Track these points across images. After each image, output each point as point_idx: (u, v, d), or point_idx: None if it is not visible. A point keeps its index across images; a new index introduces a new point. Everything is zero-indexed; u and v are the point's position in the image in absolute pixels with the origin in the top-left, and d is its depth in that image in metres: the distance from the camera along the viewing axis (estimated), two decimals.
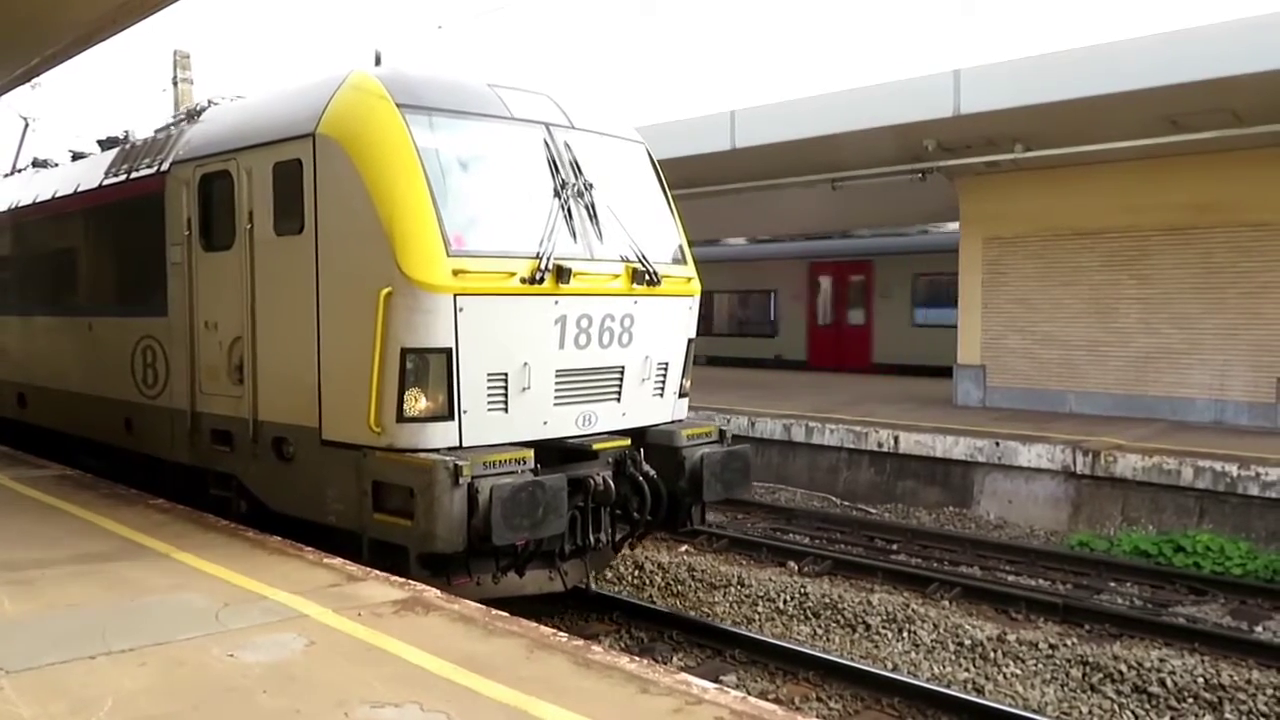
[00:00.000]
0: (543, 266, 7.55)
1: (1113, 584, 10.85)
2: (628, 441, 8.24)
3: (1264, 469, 11.80)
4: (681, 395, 9.07)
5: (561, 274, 7.62)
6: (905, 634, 9.04)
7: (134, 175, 10.02)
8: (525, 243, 7.67)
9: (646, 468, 8.25)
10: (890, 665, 8.38)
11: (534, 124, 8.26)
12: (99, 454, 11.22)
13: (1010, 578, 11.16)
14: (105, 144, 13.63)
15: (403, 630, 5.45)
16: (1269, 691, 7.63)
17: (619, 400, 8.38)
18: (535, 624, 5.72)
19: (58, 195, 11.73)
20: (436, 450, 7.28)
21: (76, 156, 15.11)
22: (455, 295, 7.20)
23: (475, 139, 7.88)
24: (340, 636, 5.34)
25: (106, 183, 10.56)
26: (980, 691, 7.88)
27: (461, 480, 6.97)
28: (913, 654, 8.67)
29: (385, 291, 7.13)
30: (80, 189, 11.17)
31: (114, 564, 6.88)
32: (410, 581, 6.60)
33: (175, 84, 26.69)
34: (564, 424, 8.01)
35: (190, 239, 9.06)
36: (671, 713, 4.34)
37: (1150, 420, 15.99)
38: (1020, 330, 17.95)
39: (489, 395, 7.51)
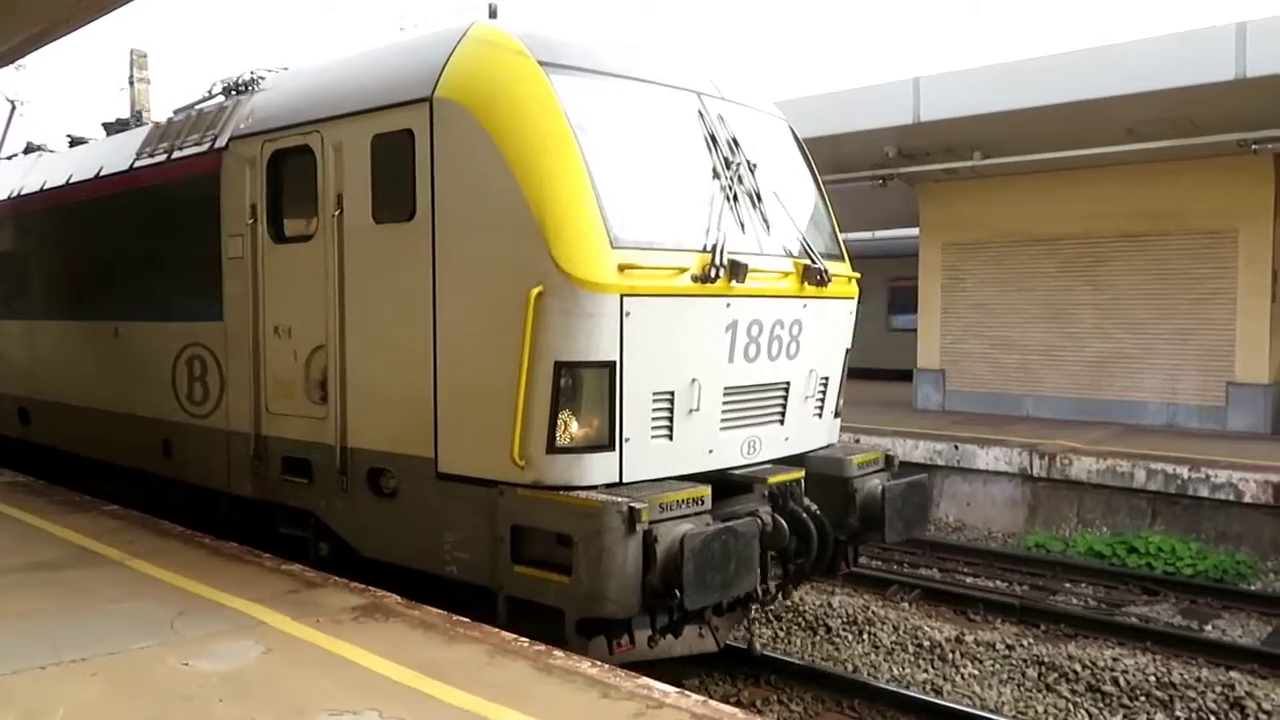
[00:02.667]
0: (717, 262, 6.20)
1: (1068, 585, 11.12)
2: (802, 472, 6.89)
3: (1213, 471, 12.18)
4: (836, 415, 7.74)
5: (736, 271, 6.26)
6: (865, 636, 9.18)
7: (177, 155, 8.50)
8: (690, 232, 6.31)
9: (808, 502, 6.89)
10: (850, 667, 8.53)
11: (686, 91, 6.90)
12: (125, 480, 9.65)
13: (968, 579, 11.43)
14: (113, 127, 12.13)
15: (362, 637, 5.37)
16: (1218, 689, 7.84)
17: (783, 422, 7.04)
18: (496, 630, 5.62)
19: (73, 182, 10.15)
20: (594, 487, 5.89)
21: (75, 142, 13.57)
22: (622, 296, 5.82)
23: (627, 106, 6.49)
24: (299, 644, 5.28)
25: (140, 165, 9.02)
26: (939, 692, 8.01)
27: (638, 527, 5.59)
28: (873, 656, 8.82)
29: (535, 291, 5.72)
30: (103, 173, 9.61)
31: (65, 572, 6.74)
32: (370, 588, 6.36)
33: (132, 84, 26.40)
34: (729, 452, 6.65)
35: (255, 228, 7.59)
36: (633, 717, 4.36)
37: (1105, 423, 16.43)
38: (979, 335, 18.46)
39: (653, 419, 6.13)
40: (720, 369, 6.42)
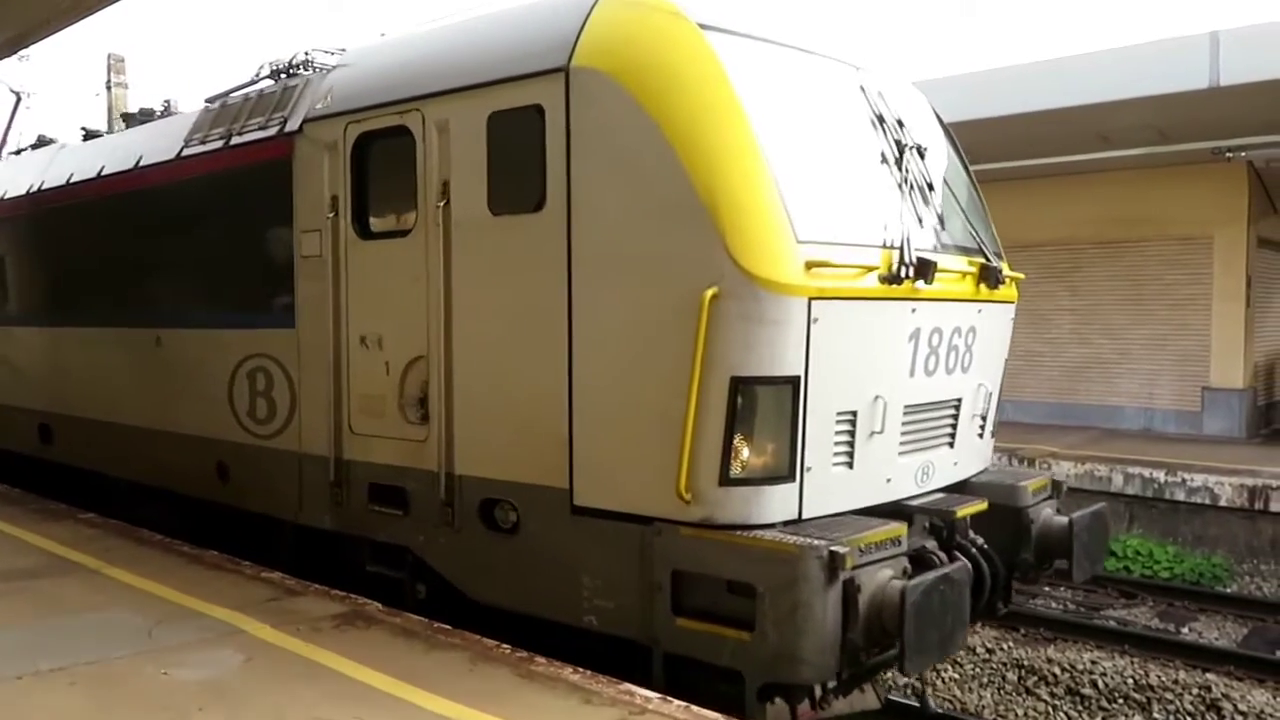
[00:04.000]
0: (906, 260, 5.30)
1: (1047, 589, 11.03)
2: (985, 504, 5.98)
3: (1189, 475, 12.40)
4: (991, 435, 6.85)
5: (924, 270, 5.37)
6: None
7: (237, 141, 7.52)
8: (867, 225, 5.41)
9: (974, 536, 5.97)
10: None
11: (844, 64, 6.01)
12: (166, 505, 8.65)
13: None
14: (135, 119, 11.13)
15: (343, 645, 5.34)
16: (1195, 691, 7.90)
17: (952, 445, 6.14)
18: (478, 637, 5.54)
19: (105, 174, 9.14)
20: (770, 525, 4.98)
21: (89, 135, 12.57)
22: (810, 300, 4.91)
23: (793, 78, 5.59)
24: (279, 652, 5.23)
25: (189, 153, 8.03)
26: (921, 697, 7.77)
27: (839, 575, 4.67)
28: None
29: (710, 294, 4.80)
30: (143, 164, 8.60)
31: (42, 581, 6.64)
32: (351, 595, 6.27)
33: (109, 88, 25.69)
34: (906, 480, 5.75)
35: (336, 223, 6.63)
36: None
37: (1083, 428, 16.67)
38: None
39: (835, 444, 5.22)
40: (902, 384, 5.52)
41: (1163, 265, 16.43)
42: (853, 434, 5.27)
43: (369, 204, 6.53)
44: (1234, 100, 12.30)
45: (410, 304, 6.18)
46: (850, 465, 5.30)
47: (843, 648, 4.73)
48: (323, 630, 5.55)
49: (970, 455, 6.39)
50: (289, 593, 6.32)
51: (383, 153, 6.42)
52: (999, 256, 6.54)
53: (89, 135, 12.56)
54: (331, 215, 6.63)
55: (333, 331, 6.65)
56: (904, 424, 5.58)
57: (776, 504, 5.02)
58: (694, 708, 4.53)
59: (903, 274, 5.25)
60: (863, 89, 5.90)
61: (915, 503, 5.75)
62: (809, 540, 4.71)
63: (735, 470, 4.94)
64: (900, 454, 5.62)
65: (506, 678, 4.90)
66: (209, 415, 7.80)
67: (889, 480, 5.59)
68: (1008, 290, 6.46)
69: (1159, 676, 8.23)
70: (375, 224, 6.51)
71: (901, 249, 5.32)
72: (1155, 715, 7.75)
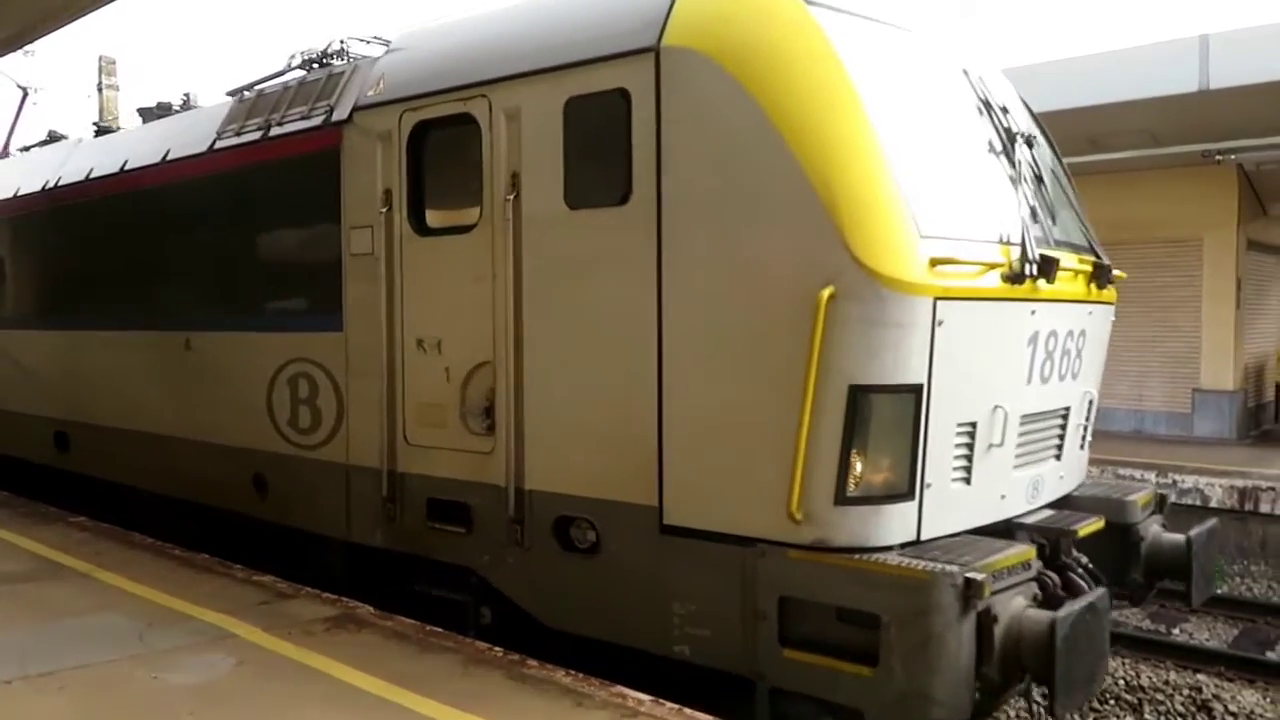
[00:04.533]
0: (1029, 257, 4.87)
1: None
2: (1102, 521, 5.54)
3: (1180, 476, 12.38)
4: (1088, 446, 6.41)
5: (1047, 269, 4.94)
6: None
7: (277, 132, 7.05)
8: (985, 220, 4.97)
9: (1078, 555, 5.51)
10: None
11: (946, 45, 5.58)
12: (194, 518, 8.17)
13: None
14: (152, 113, 10.67)
15: (335, 648, 5.31)
16: (1185, 692, 7.82)
17: (1059, 457, 5.70)
18: (470, 640, 5.55)
19: (129, 169, 8.67)
20: (889, 548, 4.54)
21: (101, 131, 12.10)
22: (935, 300, 4.47)
23: (901, 60, 5.16)
24: (270, 655, 5.22)
25: (223, 145, 7.56)
26: None
27: (974, 604, 4.23)
28: None
29: (826, 294, 4.36)
30: (171, 157, 8.13)
31: (31, 584, 6.60)
32: (342, 598, 6.23)
33: (100, 90, 25.41)
34: (1018, 496, 5.31)
35: (390, 218, 6.17)
36: None
37: None
38: None
39: (954, 458, 4.78)
40: (1019, 392, 5.08)
41: (1153, 268, 16.17)
42: (971, 447, 4.83)
43: (427, 197, 6.07)
44: (1224, 103, 12.31)
45: (474, 305, 5.72)
46: (968, 481, 4.86)
47: (977, 684, 4.29)
48: (315, 633, 5.53)
49: (1073, 468, 5.96)
50: (281, 596, 6.28)
51: (443, 142, 5.97)
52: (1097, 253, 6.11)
53: (101, 131, 12.10)
54: (385, 210, 6.17)
55: (385, 335, 6.19)
56: (1019, 435, 5.15)
57: (895, 524, 4.58)
58: (686, 710, 4.50)
59: (1026, 272, 4.82)
60: (966, 73, 5.47)
61: (1028, 520, 5.32)
62: (942, 565, 4.26)
63: (852, 488, 4.49)
64: (1015, 468, 5.19)
65: (499, 680, 4.89)
66: (244, 424, 7.33)
67: (1003, 497, 5.15)
68: (1111, 291, 6.03)
69: (1150, 677, 8.13)
70: (434, 219, 6.05)
71: (1023, 245, 4.88)
72: (1147, 716, 7.61)
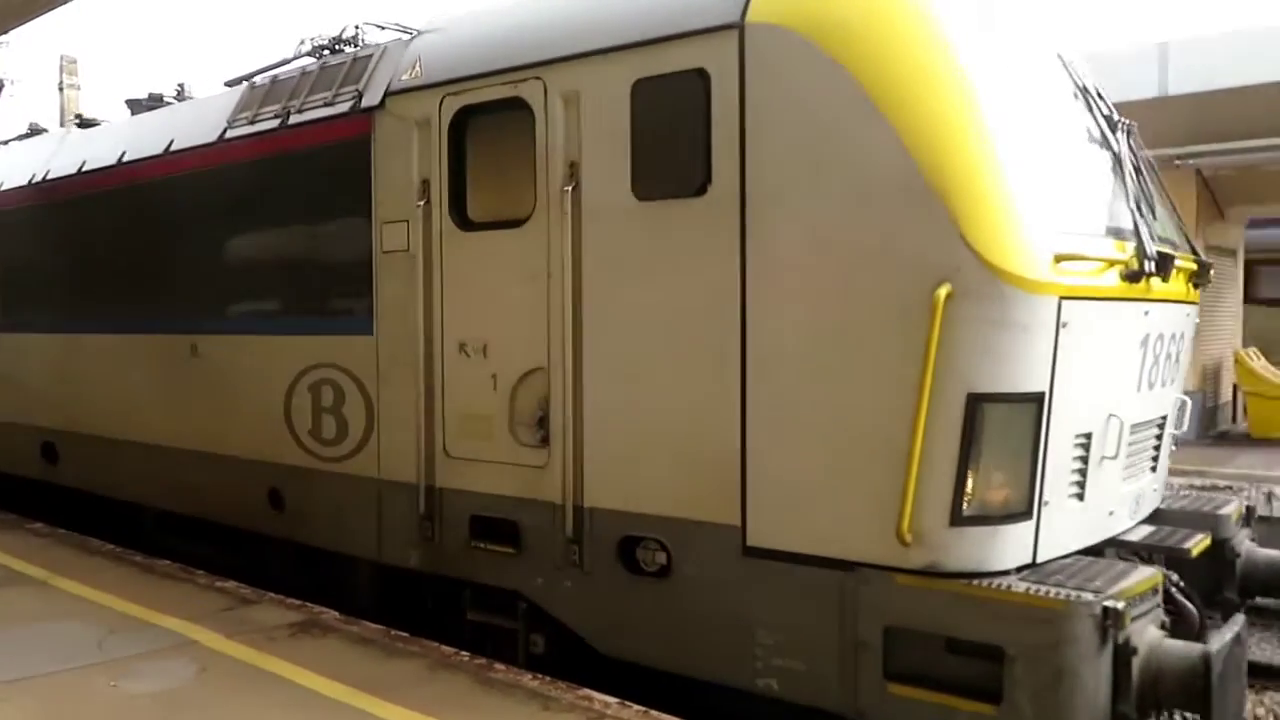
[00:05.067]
0: (1146, 254, 4.48)
1: None
2: (1209, 538, 5.17)
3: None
4: None
5: (1164, 266, 4.56)
6: None
7: (297, 120, 6.55)
8: (1098, 213, 4.59)
9: (1176, 577, 5.12)
10: None
11: (1038, 28, 5.19)
12: (198, 536, 7.63)
13: None
14: (141, 105, 10.12)
15: (299, 654, 5.27)
16: None
17: (1154, 469, 5.33)
18: (437, 645, 5.47)
19: (127, 161, 8.10)
20: (1005, 572, 4.13)
21: (85, 124, 11.49)
22: (1060, 300, 4.07)
23: (999, 40, 4.75)
24: (232, 662, 5.17)
25: (235, 134, 7.03)
26: None
27: (1111, 635, 3.83)
28: None
29: (944, 292, 3.94)
30: (175, 148, 7.59)
31: None
32: (307, 604, 6.15)
33: (61, 90, 25.33)
34: (1123, 513, 4.93)
35: (429, 212, 5.69)
36: None
37: None
38: None
39: (1070, 473, 4.39)
40: (1129, 400, 4.70)
41: None
42: (1086, 460, 4.44)
43: (470, 189, 5.59)
44: (1183, 109, 12.45)
45: (525, 306, 5.26)
46: (1081, 497, 4.46)
47: None
48: (278, 639, 5.49)
49: (1162, 481, 5.59)
50: (244, 602, 6.23)
51: (489, 129, 5.51)
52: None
53: (85, 124, 11.50)
54: (422, 203, 5.69)
55: (423, 338, 5.71)
56: (1128, 446, 4.77)
57: (1012, 546, 4.17)
58: (653, 712, 4.50)
59: (1145, 269, 4.43)
60: (1060, 57, 5.08)
61: (1131, 538, 4.94)
62: (1077, 593, 3.86)
63: (969, 507, 4.08)
64: (1123, 481, 4.80)
65: (466, 684, 4.87)
66: (258, 434, 6.81)
67: (1111, 513, 4.77)
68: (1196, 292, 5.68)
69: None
70: (478, 213, 5.58)
71: (1139, 240, 4.50)
72: None
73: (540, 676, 4.95)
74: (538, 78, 5.19)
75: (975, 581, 4.05)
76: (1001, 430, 4.07)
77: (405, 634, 5.56)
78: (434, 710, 4.49)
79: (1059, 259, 4.06)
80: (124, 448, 8.14)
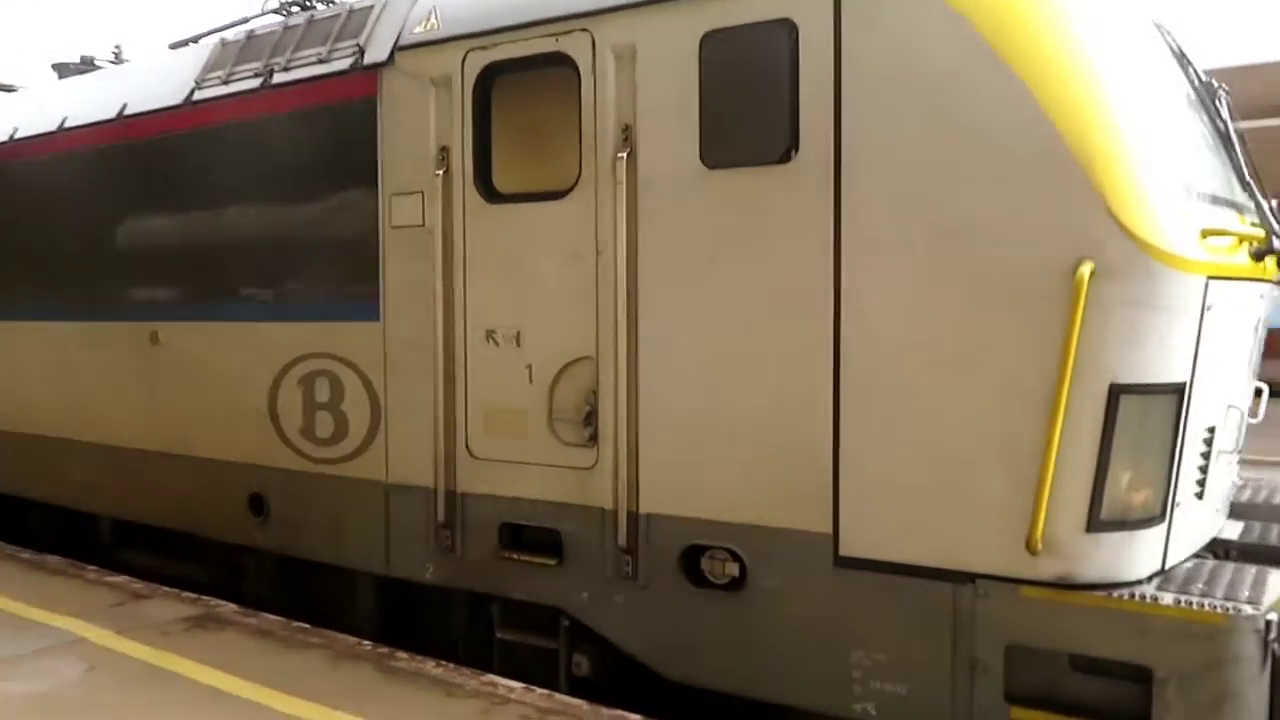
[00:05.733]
0: (1275, 231, 4.13)
1: None
2: None
3: None
4: None
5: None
6: None
7: (282, 79, 5.80)
8: (1220, 185, 4.22)
9: None
10: None
11: None
12: (161, 549, 6.83)
13: None
14: (73, 68, 9.19)
15: (194, 649, 5.13)
16: None
17: (1238, 461, 5.02)
18: (339, 635, 5.40)
19: (69, 126, 7.19)
20: (1138, 581, 3.73)
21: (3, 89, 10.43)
22: (1207, 279, 3.68)
23: (1112, 8, 4.33)
24: (123, 659, 5.01)
25: (204, 96, 6.23)
26: None
27: (1271, 651, 3.46)
28: None
29: (1087, 270, 3.50)
30: (130, 112, 6.73)
31: None
32: (203, 597, 6.03)
33: None
34: (1223, 511, 4.59)
35: (447, 182, 5.04)
36: (478, 715, 4.29)
37: None
38: None
39: (1197, 469, 4.01)
40: (1242, 389, 4.36)
41: None
42: (1209, 455, 4.07)
43: (499, 157, 4.97)
44: None
45: (568, 288, 4.68)
46: (1201, 495, 4.10)
47: None
48: (172, 634, 5.34)
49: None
50: (136, 597, 6.05)
51: (523, 89, 4.90)
52: None
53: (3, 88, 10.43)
54: (441, 172, 5.04)
55: (442, 325, 5.07)
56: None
57: (1146, 552, 3.78)
58: (557, 695, 4.52)
59: (1274, 247, 4.07)
60: (1158, 26, 4.70)
61: (1230, 536, 4.61)
62: (1239, 606, 3.47)
63: (1107, 510, 3.66)
64: (1228, 476, 4.47)
65: (368, 674, 4.82)
66: (238, 433, 6.06)
67: (1217, 510, 4.43)
68: None
69: None
70: (509, 183, 4.96)
71: (1263, 216, 4.15)
72: None
73: (444, 664, 4.88)
74: (584, 29, 4.59)
75: (1113, 593, 3.64)
76: (1143, 425, 3.66)
77: (306, 625, 5.45)
78: (337, 702, 4.43)
79: (1205, 234, 3.66)
80: (68, 448, 7.26)
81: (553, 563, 4.80)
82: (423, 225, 5.13)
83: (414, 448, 5.23)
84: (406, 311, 5.24)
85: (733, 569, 4.34)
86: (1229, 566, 4.01)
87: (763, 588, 4.26)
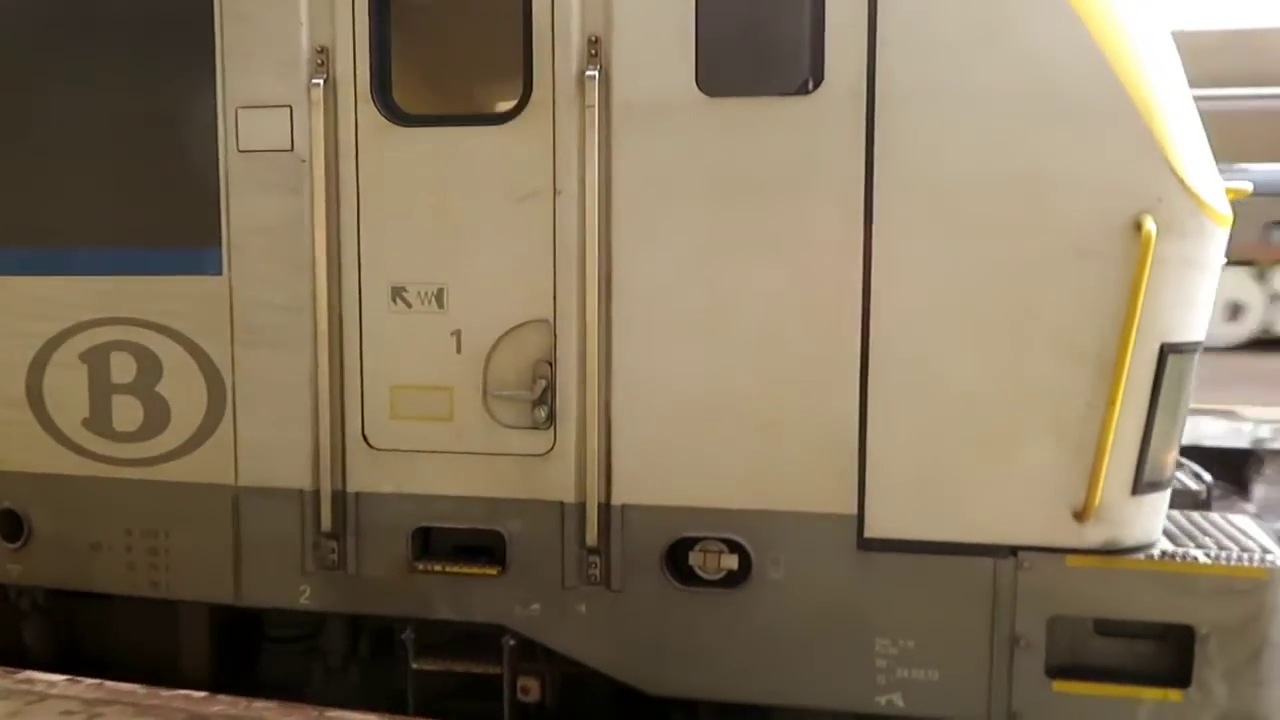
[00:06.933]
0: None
1: None
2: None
3: None
4: None
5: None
6: None
7: None
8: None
9: None
10: None
11: None
12: None
13: None
14: None
15: None
16: None
17: None
18: None
19: None
20: (1154, 543, 3.74)
21: None
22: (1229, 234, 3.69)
23: None
24: None
25: None
26: None
27: None
28: None
29: (1150, 224, 3.35)
30: None
31: None
32: None
33: None
34: None
35: (330, 93, 3.86)
36: (7, 716, 3.89)
37: None
38: None
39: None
40: None
41: None
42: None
43: (405, 64, 3.89)
44: None
45: (514, 236, 3.78)
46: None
47: None
48: None
49: None
50: None
51: None
52: None
53: None
54: (320, 81, 3.85)
55: (325, 281, 3.92)
56: None
57: (1162, 512, 3.79)
58: (108, 684, 4.11)
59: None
60: None
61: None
62: (1274, 559, 3.55)
63: (1150, 473, 3.59)
64: None
65: None
66: None
67: None
68: None
69: None
70: (422, 101, 3.90)
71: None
72: None
73: None
74: None
75: (1152, 555, 3.60)
76: (1178, 383, 3.62)
77: None
78: None
79: (1230, 194, 3.67)
80: None
81: (493, 572, 3.93)
82: (291, 150, 3.91)
83: (280, 439, 4.03)
84: (266, 263, 3.99)
85: (730, 561, 3.78)
86: (1216, 518, 4.18)
87: (770, 579, 3.75)
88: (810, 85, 3.55)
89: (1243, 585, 3.51)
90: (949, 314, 3.54)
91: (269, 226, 3.96)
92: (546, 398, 3.80)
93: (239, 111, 3.95)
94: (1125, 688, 3.58)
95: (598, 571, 3.86)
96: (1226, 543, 3.75)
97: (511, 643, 3.97)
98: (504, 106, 3.79)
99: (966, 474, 3.59)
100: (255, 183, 3.96)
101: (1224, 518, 4.17)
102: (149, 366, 4.14)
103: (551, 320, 3.79)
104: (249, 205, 3.98)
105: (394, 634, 4.22)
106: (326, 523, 4.01)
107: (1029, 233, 3.47)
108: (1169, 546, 3.69)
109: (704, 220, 3.66)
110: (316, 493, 4.01)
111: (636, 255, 3.71)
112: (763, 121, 3.59)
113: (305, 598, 4.12)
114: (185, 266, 4.06)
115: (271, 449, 4.05)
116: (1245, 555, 3.59)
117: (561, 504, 3.85)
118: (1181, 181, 3.40)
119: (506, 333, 3.84)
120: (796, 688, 3.79)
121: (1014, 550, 3.59)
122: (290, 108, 3.89)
